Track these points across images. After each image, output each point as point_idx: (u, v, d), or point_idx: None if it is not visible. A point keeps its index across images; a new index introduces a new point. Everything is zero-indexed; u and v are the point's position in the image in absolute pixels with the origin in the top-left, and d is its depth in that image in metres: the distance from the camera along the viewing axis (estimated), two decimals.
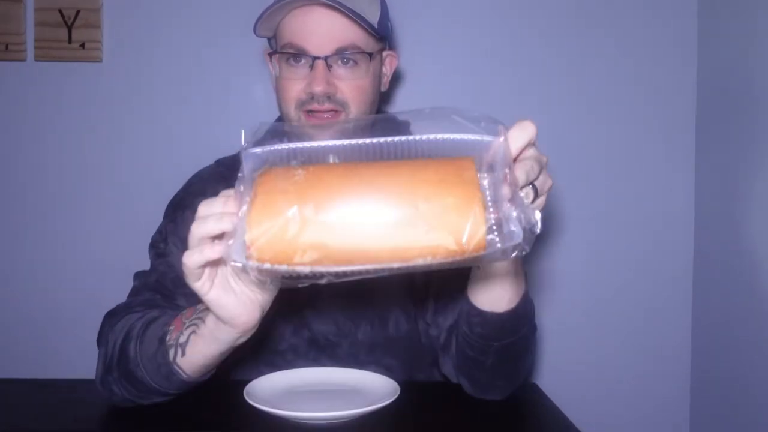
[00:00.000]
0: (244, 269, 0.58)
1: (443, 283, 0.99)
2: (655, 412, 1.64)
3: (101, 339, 0.95)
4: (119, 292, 1.04)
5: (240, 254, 0.57)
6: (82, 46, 1.56)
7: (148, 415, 0.87)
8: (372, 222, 0.55)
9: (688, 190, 1.62)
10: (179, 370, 0.82)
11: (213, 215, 0.65)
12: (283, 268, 0.56)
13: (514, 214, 0.57)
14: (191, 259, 0.67)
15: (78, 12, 1.55)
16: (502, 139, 0.59)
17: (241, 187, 0.60)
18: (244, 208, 0.58)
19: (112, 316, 0.96)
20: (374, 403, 0.83)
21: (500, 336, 0.88)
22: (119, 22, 1.58)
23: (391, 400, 0.84)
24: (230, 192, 0.65)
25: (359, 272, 0.57)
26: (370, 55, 1.02)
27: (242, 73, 1.59)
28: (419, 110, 0.64)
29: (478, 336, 0.89)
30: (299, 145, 0.62)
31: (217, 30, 1.59)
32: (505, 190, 0.57)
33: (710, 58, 1.57)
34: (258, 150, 0.61)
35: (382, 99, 1.15)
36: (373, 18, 1.01)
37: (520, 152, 0.63)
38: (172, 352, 0.82)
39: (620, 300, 1.63)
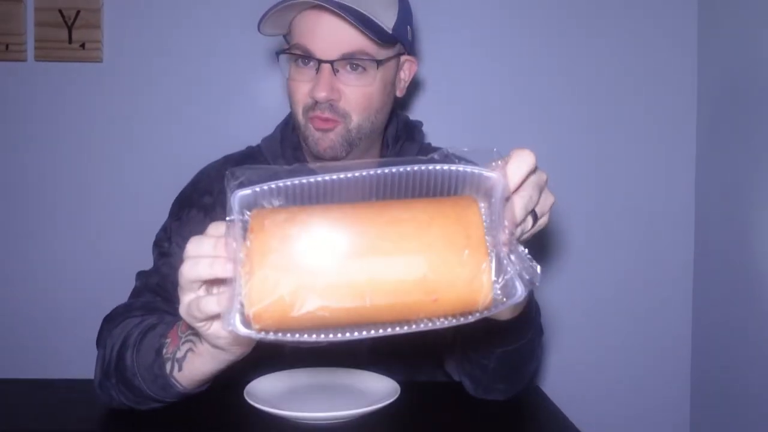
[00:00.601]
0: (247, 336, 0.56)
1: None
2: (655, 413, 1.64)
3: (99, 342, 0.94)
4: (120, 292, 1.04)
5: (237, 321, 0.55)
6: (82, 46, 1.56)
7: (147, 415, 0.87)
8: (377, 291, 0.54)
9: (688, 190, 1.62)
10: (176, 383, 0.82)
11: (204, 258, 0.63)
12: (287, 337, 0.55)
13: (517, 269, 0.56)
14: (190, 316, 0.66)
15: (78, 12, 1.55)
16: (500, 174, 0.58)
17: (234, 243, 0.57)
18: (239, 270, 0.55)
19: (110, 320, 0.96)
20: (374, 403, 0.83)
21: (503, 342, 0.88)
22: (119, 22, 1.58)
23: (391, 400, 0.84)
24: (220, 229, 0.63)
25: (362, 336, 0.57)
26: (378, 62, 0.99)
27: (243, 72, 1.59)
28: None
29: (480, 341, 0.89)
30: (290, 182, 0.58)
31: (217, 29, 1.59)
32: (503, 237, 0.56)
33: (710, 58, 1.57)
34: (247, 191, 0.58)
35: (398, 105, 1.14)
36: (388, 22, 0.98)
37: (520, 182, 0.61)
38: (168, 366, 0.81)
39: (620, 300, 1.63)
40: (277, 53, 1.03)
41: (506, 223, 0.57)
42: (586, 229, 1.63)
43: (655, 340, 1.63)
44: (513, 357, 0.89)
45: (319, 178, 0.59)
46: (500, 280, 0.56)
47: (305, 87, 0.99)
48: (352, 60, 0.98)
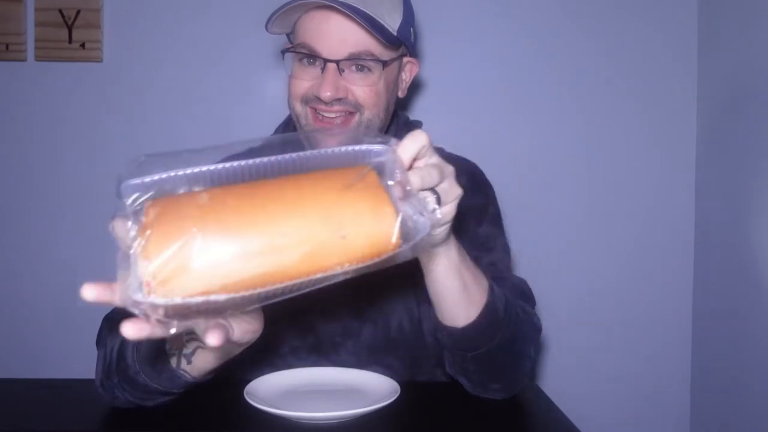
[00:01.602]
0: (151, 308, 0.50)
1: None
2: (655, 412, 1.64)
3: (99, 342, 0.94)
4: None
5: (139, 294, 0.49)
6: (82, 46, 1.56)
7: (148, 415, 0.87)
8: (284, 239, 0.52)
9: (688, 190, 1.62)
10: (184, 374, 0.82)
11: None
12: (195, 300, 0.50)
13: (412, 209, 0.58)
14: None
15: (78, 12, 1.55)
16: (391, 145, 0.61)
17: (129, 223, 0.52)
18: (136, 243, 0.50)
19: (109, 319, 0.95)
20: (374, 403, 0.83)
21: (471, 347, 0.88)
22: (119, 22, 1.58)
23: (391, 400, 0.84)
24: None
25: (281, 292, 0.53)
26: (384, 62, 1.00)
27: (244, 72, 1.59)
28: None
29: (450, 347, 0.90)
30: (182, 172, 0.55)
31: (218, 29, 1.59)
32: (398, 191, 0.58)
33: (710, 58, 1.57)
34: (137, 181, 0.54)
35: (399, 105, 1.15)
36: (393, 24, 0.99)
37: (414, 161, 0.65)
38: (174, 360, 0.81)
39: (620, 299, 1.63)
40: (282, 51, 1.03)
41: (398, 173, 0.59)
42: (587, 230, 1.63)
43: (655, 340, 1.63)
44: (491, 358, 0.89)
45: (214, 167, 0.56)
46: (401, 218, 0.56)
47: (307, 84, 0.99)
48: (358, 60, 0.98)
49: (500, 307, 0.88)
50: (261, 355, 1.04)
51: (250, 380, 0.91)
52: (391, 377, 0.93)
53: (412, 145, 0.64)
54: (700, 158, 1.61)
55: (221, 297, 0.50)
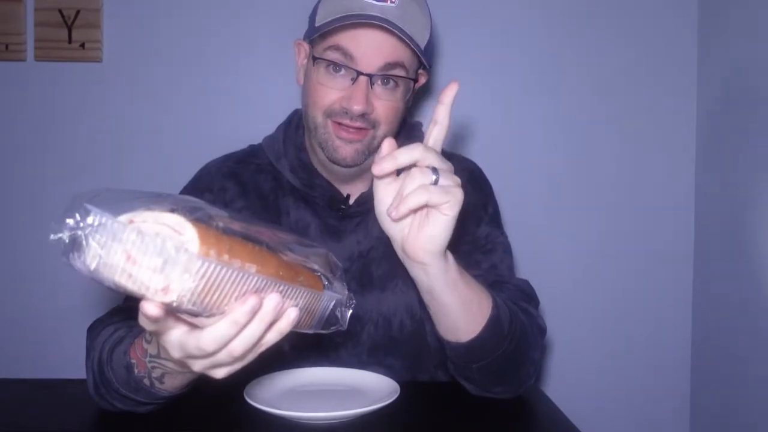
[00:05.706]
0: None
1: None
2: (655, 412, 1.64)
3: (87, 353, 0.93)
4: (120, 292, 1.03)
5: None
6: (82, 46, 1.56)
7: (147, 415, 0.87)
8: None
9: (688, 190, 1.62)
10: (160, 391, 0.81)
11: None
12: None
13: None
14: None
15: (78, 12, 1.55)
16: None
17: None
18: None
19: (91, 329, 0.94)
20: (374, 403, 0.83)
21: (475, 359, 0.88)
22: (119, 22, 1.58)
23: (391, 400, 0.84)
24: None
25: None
26: (413, 80, 1.01)
27: (242, 72, 1.59)
28: None
29: (454, 359, 0.90)
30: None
31: (216, 29, 1.58)
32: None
33: (710, 58, 1.57)
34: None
35: None
36: (423, 42, 0.99)
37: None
38: (147, 381, 0.80)
39: (620, 300, 1.63)
40: (314, 57, 1.00)
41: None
42: (586, 230, 1.63)
43: (655, 340, 1.63)
44: (496, 366, 0.89)
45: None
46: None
47: (335, 94, 0.98)
48: (391, 76, 0.97)
49: (505, 319, 0.87)
50: (261, 356, 1.04)
51: (250, 380, 0.91)
52: (392, 377, 0.94)
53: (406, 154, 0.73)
54: (700, 158, 1.61)
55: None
